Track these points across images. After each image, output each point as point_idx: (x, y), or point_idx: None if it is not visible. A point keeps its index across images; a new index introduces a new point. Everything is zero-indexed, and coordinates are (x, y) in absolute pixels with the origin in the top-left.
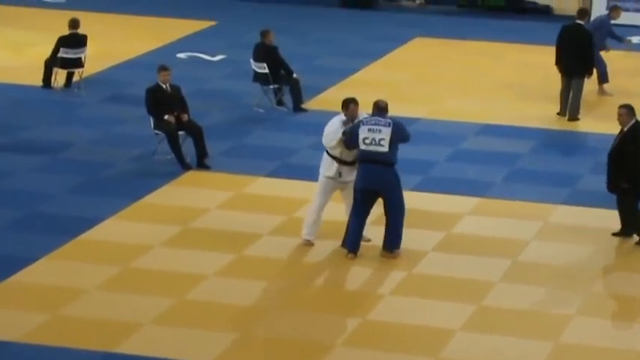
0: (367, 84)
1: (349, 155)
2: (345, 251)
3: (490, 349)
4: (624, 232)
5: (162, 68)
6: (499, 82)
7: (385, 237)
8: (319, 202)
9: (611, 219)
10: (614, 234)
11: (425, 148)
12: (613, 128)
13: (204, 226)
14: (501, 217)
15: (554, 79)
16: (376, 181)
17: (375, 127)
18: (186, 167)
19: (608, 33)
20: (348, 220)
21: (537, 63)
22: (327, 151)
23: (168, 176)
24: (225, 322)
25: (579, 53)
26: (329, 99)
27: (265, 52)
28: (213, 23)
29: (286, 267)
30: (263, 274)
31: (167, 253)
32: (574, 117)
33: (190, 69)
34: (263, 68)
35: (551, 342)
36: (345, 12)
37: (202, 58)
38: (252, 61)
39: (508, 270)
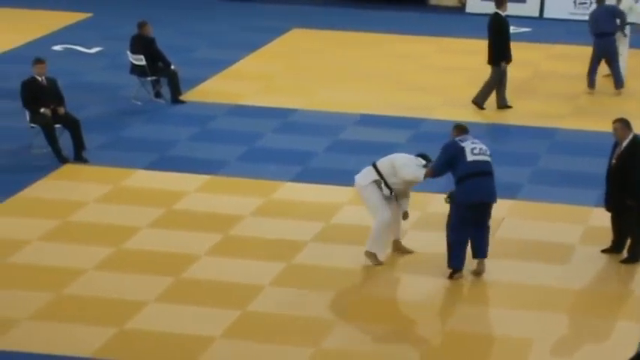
0: (244, 75)
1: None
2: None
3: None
4: (617, 248)
5: (38, 61)
6: (376, 72)
7: (473, 247)
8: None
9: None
10: (603, 250)
11: (304, 138)
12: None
13: (82, 220)
14: None
15: (429, 68)
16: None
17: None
18: (63, 161)
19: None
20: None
21: (413, 53)
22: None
23: (45, 170)
24: (104, 316)
25: (495, 42)
26: (207, 90)
27: (142, 43)
28: (89, 15)
29: (165, 260)
30: (142, 267)
31: (45, 248)
32: (479, 104)
33: (66, 61)
34: (140, 60)
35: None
36: (223, 3)
37: (78, 51)
38: (129, 53)
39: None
